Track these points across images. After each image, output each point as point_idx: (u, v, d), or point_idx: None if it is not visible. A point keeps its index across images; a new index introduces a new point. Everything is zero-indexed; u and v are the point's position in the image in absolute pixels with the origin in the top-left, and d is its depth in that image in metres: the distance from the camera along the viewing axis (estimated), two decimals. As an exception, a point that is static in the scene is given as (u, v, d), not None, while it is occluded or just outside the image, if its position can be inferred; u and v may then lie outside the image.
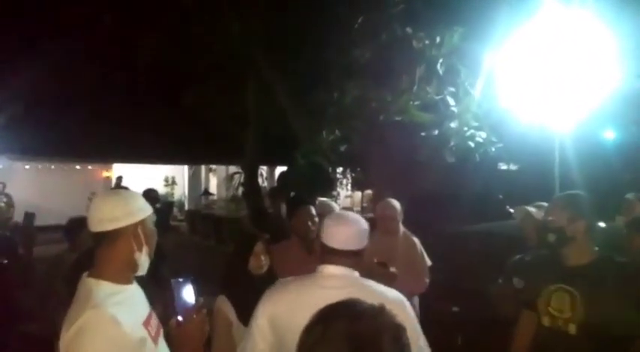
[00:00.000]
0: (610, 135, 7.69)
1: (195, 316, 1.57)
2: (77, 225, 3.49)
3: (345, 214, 1.89)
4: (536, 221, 2.66)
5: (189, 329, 1.55)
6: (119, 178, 13.30)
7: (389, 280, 2.89)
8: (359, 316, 1.02)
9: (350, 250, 1.76)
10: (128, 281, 1.64)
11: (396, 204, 3.59)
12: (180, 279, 1.59)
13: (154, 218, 1.70)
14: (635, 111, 6.60)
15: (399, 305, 1.70)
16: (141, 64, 10.01)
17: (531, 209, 2.81)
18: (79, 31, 10.67)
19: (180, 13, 8.77)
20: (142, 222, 1.61)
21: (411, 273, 3.36)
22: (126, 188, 11.60)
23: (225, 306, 2.36)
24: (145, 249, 1.63)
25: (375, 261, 2.85)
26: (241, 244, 2.60)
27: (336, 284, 1.71)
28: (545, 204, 2.66)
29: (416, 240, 3.60)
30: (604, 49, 4.34)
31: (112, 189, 12.46)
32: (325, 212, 3.21)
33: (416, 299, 3.44)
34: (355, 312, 1.04)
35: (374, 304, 1.07)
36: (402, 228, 3.60)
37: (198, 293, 1.61)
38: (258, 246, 2.50)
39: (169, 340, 1.63)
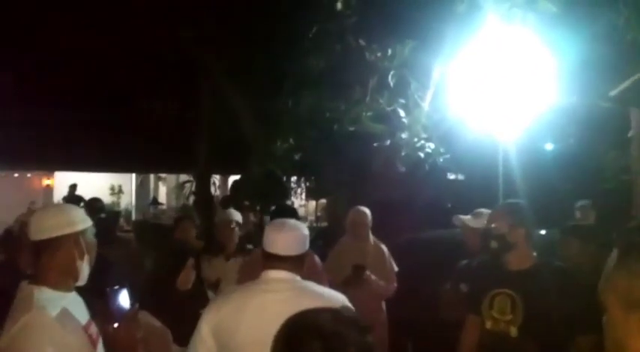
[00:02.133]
0: (549, 147, 8.14)
1: (128, 321, 1.62)
2: (9, 236, 3.32)
3: (285, 221, 1.95)
4: (473, 229, 2.79)
5: (122, 333, 1.60)
6: (72, 187, 12.57)
7: (361, 284, 3.00)
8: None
9: (290, 255, 1.83)
10: (68, 290, 1.66)
11: (367, 210, 3.70)
12: (116, 287, 1.65)
13: (94, 231, 1.75)
14: (572, 125, 7.03)
15: (337, 303, 1.74)
16: (86, 67, 9.64)
17: (467, 217, 2.94)
18: (17, 31, 10.18)
19: (129, 16, 8.52)
20: (83, 232, 1.67)
21: (381, 278, 3.50)
22: (80, 197, 11.01)
23: (153, 320, 2.27)
24: (86, 258, 1.67)
25: (353, 265, 2.97)
26: (172, 258, 2.51)
27: (277, 287, 1.79)
28: (484, 210, 2.79)
29: (384, 247, 3.69)
30: (543, 65, 4.60)
31: (64, 197, 11.87)
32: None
33: (383, 304, 3.54)
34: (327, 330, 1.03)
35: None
36: (371, 236, 3.68)
37: (133, 299, 1.66)
38: (191, 261, 2.46)
39: (106, 345, 1.66)
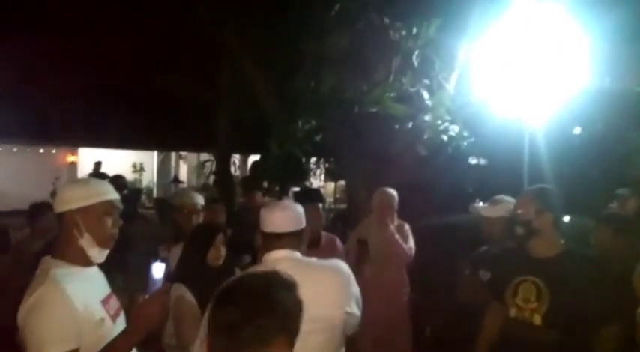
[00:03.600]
0: (577, 132, 7.90)
1: (159, 293, 1.61)
2: (38, 210, 3.38)
3: (278, 202, 2.07)
4: (488, 218, 2.71)
5: (151, 304, 1.57)
6: (97, 164, 12.74)
7: (367, 259, 3.06)
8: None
9: (286, 232, 1.88)
10: (86, 264, 1.65)
11: (393, 192, 3.66)
12: (155, 259, 1.66)
13: (113, 206, 1.68)
14: (602, 109, 6.80)
15: (335, 271, 1.87)
16: (111, 47, 9.70)
17: (482, 206, 2.86)
18: (43, 14, 10.30)
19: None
20: (83, 210, 1.61)
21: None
22: (104, 174, 11.20)
23: (187, 294, 2.32)
24: (87, 237, 1.61)
25: (357, 239, 3.00)
26: (202, 234, 2.56)
27: (280, 266, 1.78)
28: (502, 198, 2.71)
29: (407, 225, 3.75)
30: (575, 46, 4.43)
31: (89, 174, 12.11)
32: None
33: (406, 278, 3.68)
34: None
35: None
36: (396, 218, 3.70)
37: (167, 273, 1.66)
38: (219, 238, 2.49)
39: (131, 314, 1.63)
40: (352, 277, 1.90)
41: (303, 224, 1.94)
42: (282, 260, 1.85)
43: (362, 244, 3.16)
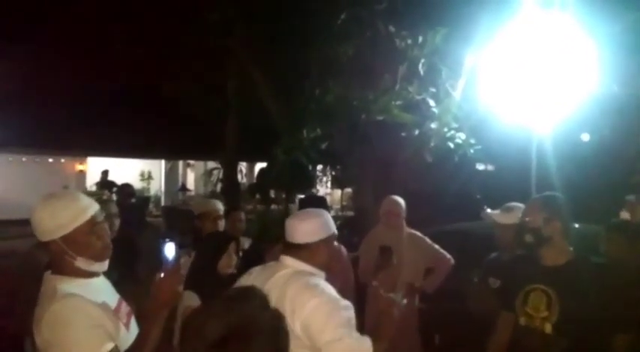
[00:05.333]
0: (585, 139, 7.86)
1: (171, 272, 1.62)
2: None
3: (301, 211, 2.13)
4: (502, 225, 2.69)
5: (164, 283, 1.59)
6: (105, 172, 12.83)
7: (390, 265, 3.02)
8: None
9: (295, 243, 1.95)
10: (90, 276, 1.65)
11: (401, 200, 3.66)
12: (166, 239, 1.72)
13: (95, 222, 1.63)
14: (609, 116, 6.77)
15: (310, 295, 1.80)
16: (117, 55, 9.79)
17: (495, 212, 2.83)
18: (53, 23, 10.42)
19: (157, 4, 8.59)
20: (65, 238, 1.58)
21: (429, 261, 3.60)
22: (112, 182, 11.20)
23: (196, 302, 2.32)
24: (80, 259, 1.61)
25: (380, 246, 2.98)
26: (214, 242, 2.57)
27: (282, 272, 1.92)
28: (515, 205, 2.69)
29: (418, 233, 3.70)
30: (582, 53, 4.42)
31: (97, 182, 12.10)
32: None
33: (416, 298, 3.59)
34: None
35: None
36: (406, 227, 3.66)
37: (178, 253, 1.71)
38: (232, 246, 2.50)
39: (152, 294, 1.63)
40: (337, 305, 1.81)
41: (319, 237, 1.95)
42: (283, 266, 1.94)
43: (385, 251, 3.11)
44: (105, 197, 3.60)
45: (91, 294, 1.58)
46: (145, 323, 1.60)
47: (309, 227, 1.95)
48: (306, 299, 1.77)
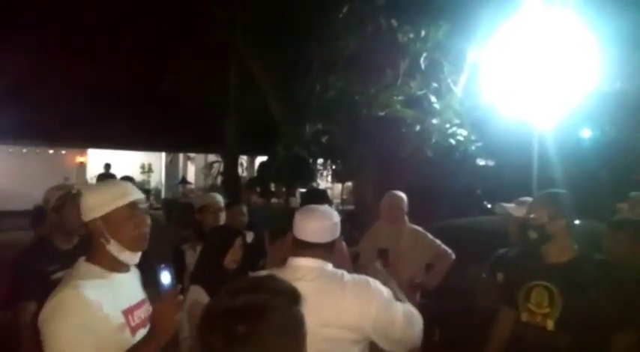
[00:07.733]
0: (587, 134, 7.86)
1: (167, 300, 1.58)
2: (40, 212, 3.33)
3: (316, 208, 1.93)
4: (517, 218, 2.68)
5: (161, 310, 1.55)
6: (107, 166, 12.81)
7: (387, 267, 3.01)
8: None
9: (319, 243, 1.81)
10: (117, 270, 1.65)
11: (403, 195, 3.66)
12: (162, 265, 1.63)
13: (136, 207, 1.65)
14: (611, 111, 6.76)
15: (364, 285, 1.79)
16: (120, 49, 9.76)
17: (510, 205, 2.82)
18: (54, 15, 10.38)
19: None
20: (104, 217, 1.61)
21: (429, 256, 3.55)
22: (113, 175, 11.22)
23: (203, 297, 2.33)
24: (114, 243, 1.62)
25: (377, 249, 2.97)
26: (221, 237, 2.57)
27: (306, 275, 1.76)
28: (528, 199, 2.68)
29: (420, 229, 3.67)
30: (584, 49, 4.41)
31: (99, 175, 12.14)
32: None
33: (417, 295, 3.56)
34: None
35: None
36: (407, 222, 3.65)
37: (174, 279, 1.64)
38: (239, 241, 2.50)
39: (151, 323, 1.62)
40: (384, 294, 1.79)
41: (337, 234, 1.87)
42: (310, 269, 1.79)
43: (383, 254, 3.11)
44: None
45: (106, 290, 1.56)
46: (141, 345, 1.54)
47: (330, 226, 1.85)
48: (366, 298, 1.75)
